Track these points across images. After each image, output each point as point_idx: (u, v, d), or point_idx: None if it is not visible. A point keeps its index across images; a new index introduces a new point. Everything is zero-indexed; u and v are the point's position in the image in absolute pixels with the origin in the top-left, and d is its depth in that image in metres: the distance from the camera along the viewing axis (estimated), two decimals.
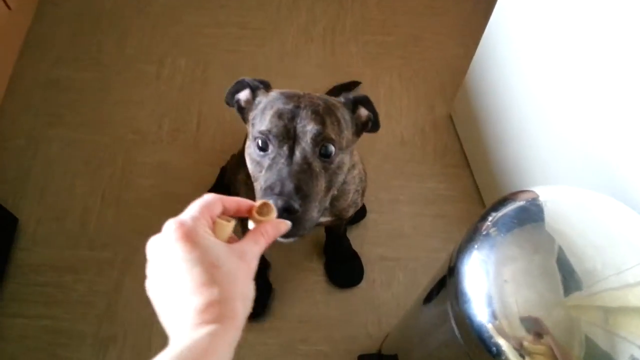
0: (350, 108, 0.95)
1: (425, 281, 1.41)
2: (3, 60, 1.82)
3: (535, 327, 0.67)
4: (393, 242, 1.60)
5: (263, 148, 0.84)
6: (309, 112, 0.84)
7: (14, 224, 1.56)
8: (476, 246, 0.75)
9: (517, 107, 1.37)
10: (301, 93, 0.91)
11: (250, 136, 0.90)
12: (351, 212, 1.19)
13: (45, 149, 1.72)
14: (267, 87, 0.95)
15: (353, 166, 1.09)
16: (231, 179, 1.27)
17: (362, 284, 1.53)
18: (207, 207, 0.53)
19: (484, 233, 0.76)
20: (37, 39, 1.93)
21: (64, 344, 1.43)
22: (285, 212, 0.75)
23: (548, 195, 0.80)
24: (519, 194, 0.81)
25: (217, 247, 0.50)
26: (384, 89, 1.86)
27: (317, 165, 0.84)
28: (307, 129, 0.83)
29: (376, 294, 1.53)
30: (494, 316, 0.68)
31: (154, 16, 1.99)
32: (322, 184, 0.85)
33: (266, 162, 0.84)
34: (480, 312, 0.70)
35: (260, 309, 1.46)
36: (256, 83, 0.94)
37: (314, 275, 1.54)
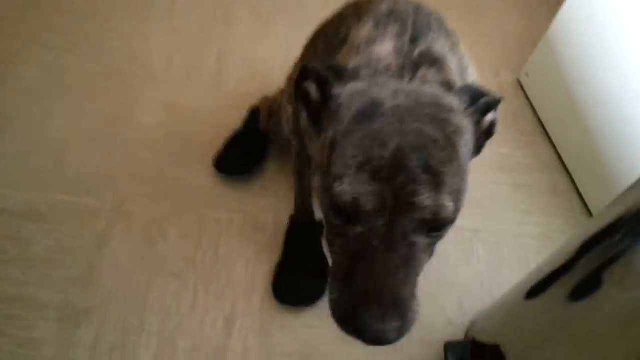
0: (477, 117, 0.63)
1: (512, 259, 1.19)
2: None
3: None
4: (467, 211, 1.23)
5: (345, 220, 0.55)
6: (420, 170, 0.53)
7: None
8: None
9: (615, 67, 1.16)
10: (397, 89, 0.58)
11: (326, 168, 0.57)
12: None
13: (19, 74, 1.32)
14: (339, 74, 0.61)
15: None
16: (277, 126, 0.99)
17: (434, 260, 1.15)
18: None
19: None
20: None
21: (18, 317, 0.98)
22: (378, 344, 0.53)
23: None
24: None
25: None
26: None
27: (422, 243, 0.56)
28: (420, 203, 0.53)
29: (453, 272, 1.16)
30: None
31: None
32: (423, 265, 0.58)
33: (351, 234, 0.55)
34: None
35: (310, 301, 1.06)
36: (324, 74, 0.60)
37: None
